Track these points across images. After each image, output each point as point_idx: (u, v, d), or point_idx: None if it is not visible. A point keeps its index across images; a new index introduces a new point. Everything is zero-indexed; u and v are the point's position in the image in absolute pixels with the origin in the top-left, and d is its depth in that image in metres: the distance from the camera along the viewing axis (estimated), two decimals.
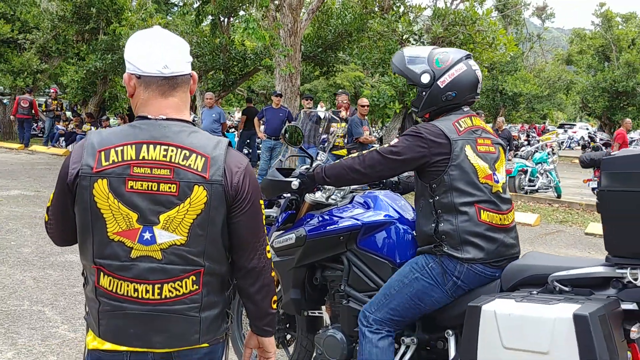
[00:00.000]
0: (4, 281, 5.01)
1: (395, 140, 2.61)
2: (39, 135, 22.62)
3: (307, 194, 2.96)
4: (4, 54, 18.73)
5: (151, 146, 1.60)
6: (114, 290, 1.61)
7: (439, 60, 2.62)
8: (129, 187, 1.58)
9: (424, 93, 2.63)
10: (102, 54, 16.14)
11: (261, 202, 1.75)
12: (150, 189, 1.58)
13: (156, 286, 1.60)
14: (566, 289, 2.27)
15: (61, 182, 1.64)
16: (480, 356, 2.17)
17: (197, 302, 1.64)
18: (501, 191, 2.56)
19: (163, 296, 1.61)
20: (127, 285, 1.60)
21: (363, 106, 9.82)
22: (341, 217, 2.86)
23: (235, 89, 19.59)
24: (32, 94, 18.78)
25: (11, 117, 18.79)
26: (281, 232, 3.06)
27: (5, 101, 21.84)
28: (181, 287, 1.62)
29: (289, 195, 3.04)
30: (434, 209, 2.51)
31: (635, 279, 2.09)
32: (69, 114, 21.54)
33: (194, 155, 1.61)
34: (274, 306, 1.81)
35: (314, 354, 3.09)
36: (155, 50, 1.64)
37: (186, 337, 1.65)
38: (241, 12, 15.57)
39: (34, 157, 16.47)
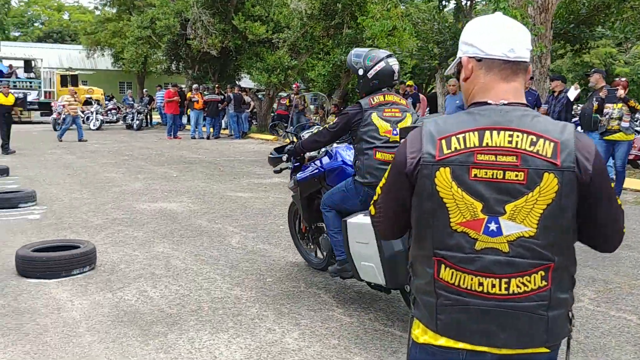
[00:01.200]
0: (279, 262, 5.42)
1: (336, 119, 4.15)
2: None
3: (306, 153, 4.60)
4: (260, 53, 20.64)
5: (494, 132, 1.50)
6: (456, 284, 1.53)
7: (369, 59, 4.00)
8: (473, 176, 1.50)
9: (361, 81, 4.06)
10: (347, 47, 16.83)
11: (612, 184, 1.58)
12: (495, 177, 1.49)
13: (503, 280, 1.50)
14: None
15: (397, 173, 1.60)
16: (350, 248, 3.82)
17: (545, 300, 1.51)
18: (398, 140, 3.83)
19: (510, 291, 1.50)
20: (471, 279, 1.52)
21: None
22: (314, 166, 4.60)
23: None
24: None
25: (273, 114, 20.89)
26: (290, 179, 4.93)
27: (260, 96, 24.15)
28: (529, 282, 1.50)
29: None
30: (355, 152, 4.09)
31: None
32: (312, 107, 23.00)
33: (541, 140, 1.48)
34: None
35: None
36: (502, 34, 1.57)
37: (532, 338, 1.52)
38: None
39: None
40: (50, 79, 31.08)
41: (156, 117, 27.73)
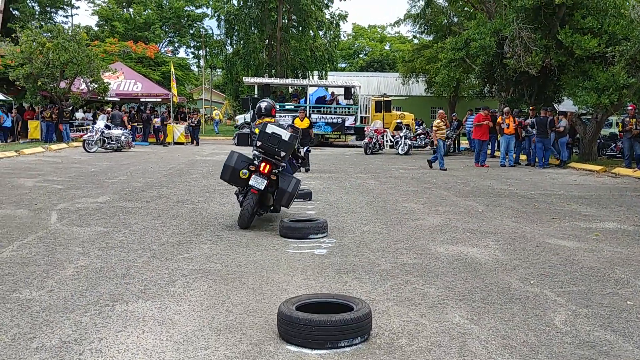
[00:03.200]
0: None
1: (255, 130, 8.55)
2: None
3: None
4: (588, 70, 17.79)
5: None
6: None
7: (261, 103, 8.71)
8: None
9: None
10: None
11: None
12: None
13: None
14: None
15: None
16: (228, 161, 7.84)
17: None
18: None
19: None
20: None
21: None
22: (254, 137, 8.85)
23: None
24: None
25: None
26: None
27: (585, 120, 21.02)
28: None
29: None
30: (253, 142, 7.89)
31: (255, 152, 7.83)
32: None
33: None
34: None
35: None
36: None
37: None
38: None
39: (618, 180, 14.87)
40: (366, 105, 32.56)
41: (464, 143, 26.53)
